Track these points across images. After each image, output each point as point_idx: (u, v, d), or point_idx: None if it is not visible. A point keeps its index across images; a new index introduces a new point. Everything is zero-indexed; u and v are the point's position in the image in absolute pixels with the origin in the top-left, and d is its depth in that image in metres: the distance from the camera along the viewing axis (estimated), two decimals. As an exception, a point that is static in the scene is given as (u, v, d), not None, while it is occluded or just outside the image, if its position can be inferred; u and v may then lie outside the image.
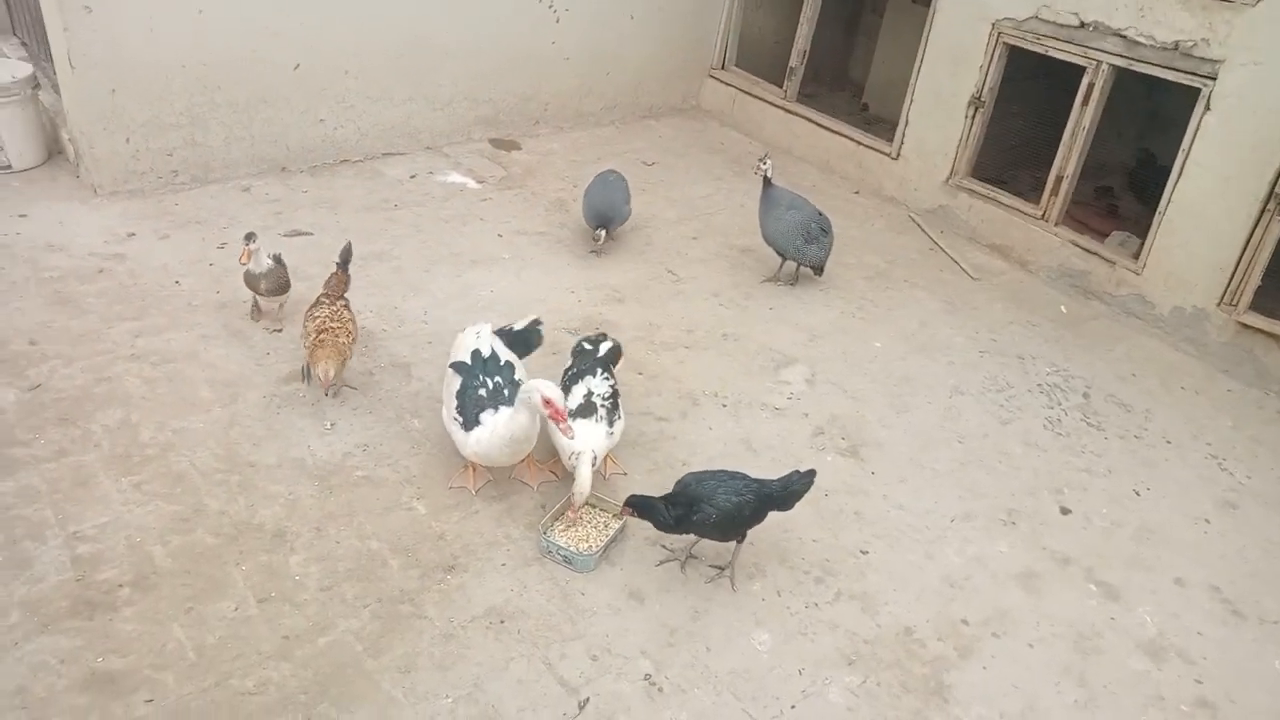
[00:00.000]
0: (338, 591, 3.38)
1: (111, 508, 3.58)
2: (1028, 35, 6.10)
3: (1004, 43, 6.23)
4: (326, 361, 4.00)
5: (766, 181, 5.58)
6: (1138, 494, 4.48)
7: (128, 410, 4.07)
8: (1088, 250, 6.07)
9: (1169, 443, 4.86)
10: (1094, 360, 5.47)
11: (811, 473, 3.62)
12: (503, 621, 3.35)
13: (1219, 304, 5.49)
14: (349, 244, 4.61)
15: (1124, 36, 5.64)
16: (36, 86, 5.87)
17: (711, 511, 3.44)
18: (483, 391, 3.71)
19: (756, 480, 3.57)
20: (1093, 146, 6.08)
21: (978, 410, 4.90)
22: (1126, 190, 7.27)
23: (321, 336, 4.07)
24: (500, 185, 6.54)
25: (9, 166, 5.78)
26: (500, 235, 5.89)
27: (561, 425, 3.42)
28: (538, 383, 3.48)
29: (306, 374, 4.32)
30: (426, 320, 4.93)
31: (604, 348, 4.17)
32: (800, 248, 5.55)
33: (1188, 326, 5.66)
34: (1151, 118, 7.36)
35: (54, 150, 6.03)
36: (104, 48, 5.35)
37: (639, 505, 3.53)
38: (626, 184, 5.90)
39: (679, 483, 3.59)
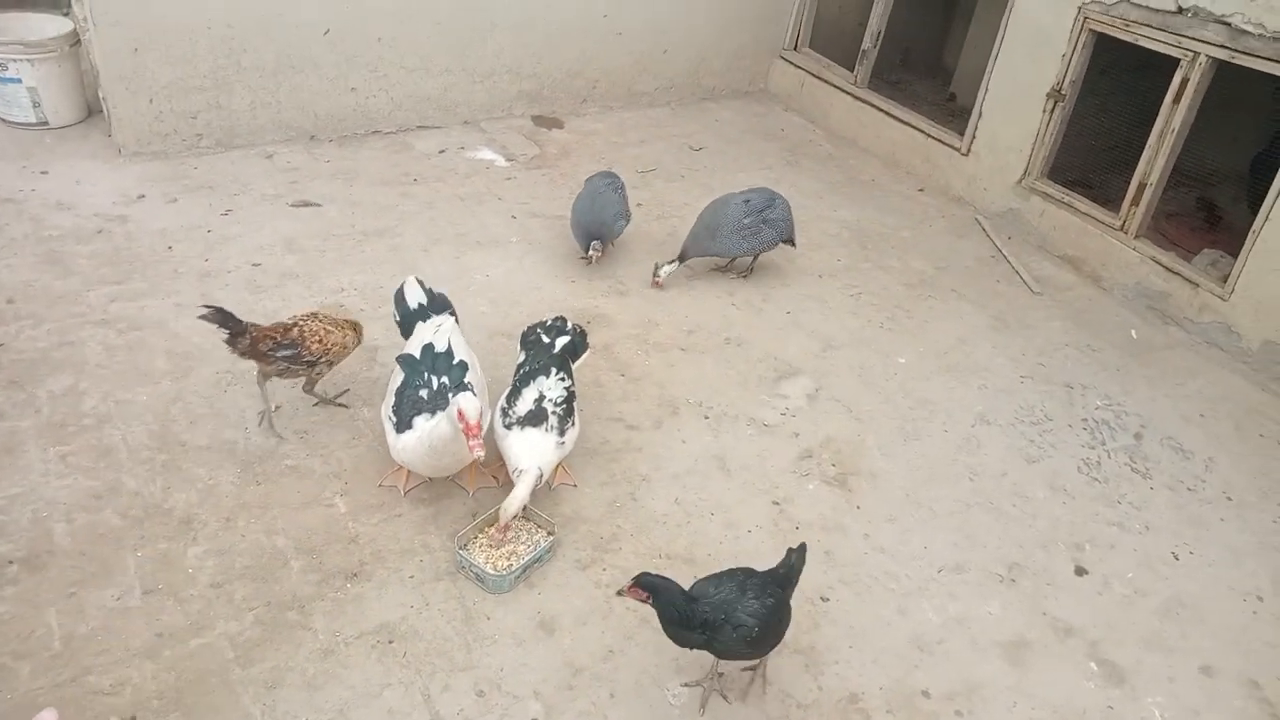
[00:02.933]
0: (227, 590, 3.17)
1: (30, 478, 3.48)
2: (1116, 21, 5.35)
3: (1090, 29, 5.50)
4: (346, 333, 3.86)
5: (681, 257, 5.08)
6: (1176, 558, 3.84)
7: (79, 377, 3.98)
8: (1169, 269, 5.31)
9: (1229, 499, 4.17)
10: (1158, 395, 4.77)
11: (803, 546, 3.04)
12: (391, 641, 3.07)
13: (1318, 341, 4.70)
14: (211, 310, 3.51)
15: (1228, 24, 4.85)
16: (76, 44, 5.91)
17: (752, 624, 2.70)
18: (424, 392, 3.42)
19: (762, 573, 2.88)
20: (1198, 152, 5.32)
21: (1002, 444, 4.32)
22: (1244, 203, 6.36)
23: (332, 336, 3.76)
24: (530, 164, 6.24)
25: (45, 123, 5.85)
26: (514, 217, 5.60)
27: (470, 443, 3.11)
28: (460, 396, 3.17)
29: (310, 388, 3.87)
30: (408, 302, 4.68)
31: (560, 342, 3.80)
32: (749, 245, 5.05)
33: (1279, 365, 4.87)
34: None
35: (95, 108, 6.07)
36: (127, 6, 5.30)
37: (651, 587, 2.71)
38: (622, 191, 5.21)
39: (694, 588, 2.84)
